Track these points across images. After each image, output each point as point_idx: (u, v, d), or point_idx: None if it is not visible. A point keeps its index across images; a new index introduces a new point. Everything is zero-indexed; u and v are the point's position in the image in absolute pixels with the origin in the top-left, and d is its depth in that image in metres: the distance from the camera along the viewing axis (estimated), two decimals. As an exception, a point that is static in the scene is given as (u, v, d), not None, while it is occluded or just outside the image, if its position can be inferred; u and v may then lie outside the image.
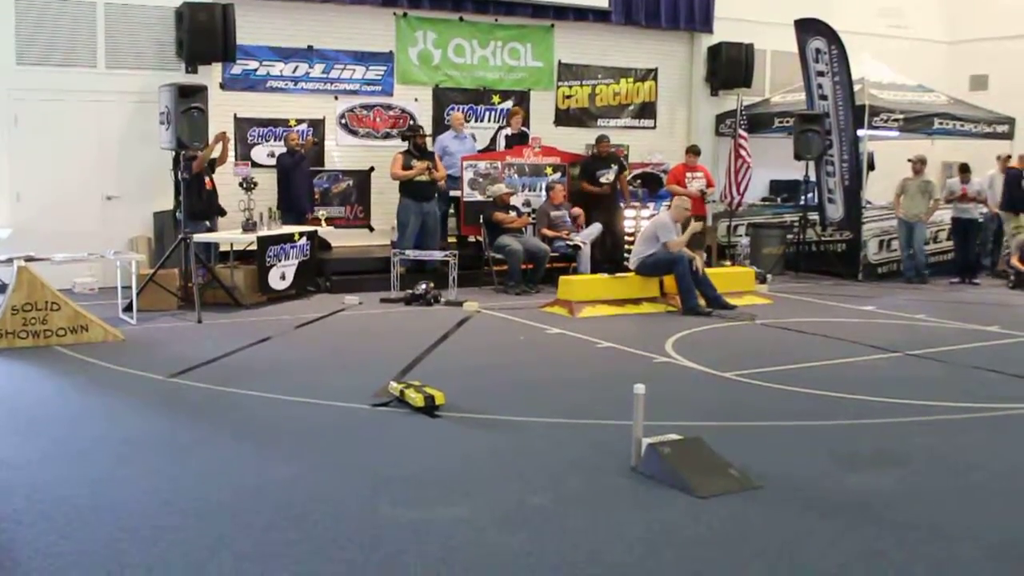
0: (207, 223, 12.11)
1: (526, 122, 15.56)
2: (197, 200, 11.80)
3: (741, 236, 16.26)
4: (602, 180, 14.26)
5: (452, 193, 14.18)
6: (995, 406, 7.26)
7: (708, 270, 12.13)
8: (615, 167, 14.44)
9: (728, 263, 15.40)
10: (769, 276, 14.45)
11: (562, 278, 12.13)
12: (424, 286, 12.01)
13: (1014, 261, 14.68)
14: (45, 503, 4.97)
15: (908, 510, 5.11)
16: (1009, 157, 16.09)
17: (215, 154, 12.32)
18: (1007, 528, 4.87)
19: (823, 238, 15.87)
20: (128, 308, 10.50)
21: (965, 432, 6.68)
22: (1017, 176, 15.68)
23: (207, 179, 12.12)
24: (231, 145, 12.95)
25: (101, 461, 5.75)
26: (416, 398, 6.79)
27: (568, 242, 13.47)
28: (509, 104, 15.68)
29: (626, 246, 14.06)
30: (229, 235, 12.05)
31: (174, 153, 11.35)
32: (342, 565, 4.28)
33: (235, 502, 5.06)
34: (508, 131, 14.99)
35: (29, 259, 9.55)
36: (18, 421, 6.66)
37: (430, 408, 6.73)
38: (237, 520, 4.79)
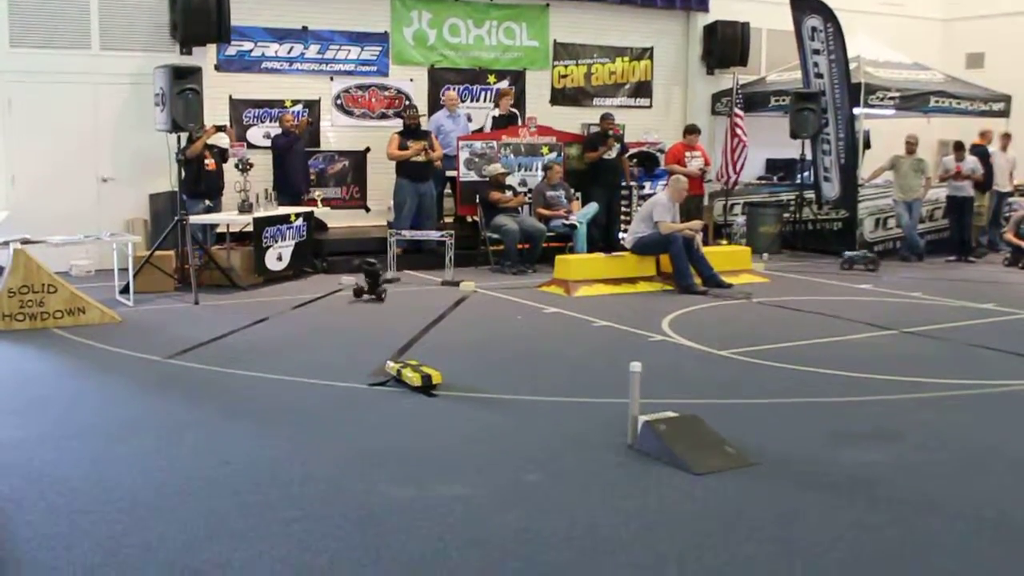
0: (207, 202, 12.13)
1: (521, 102, 15.56)
2: (195, 181, 11.87)
3: (737, 215, 16.25)
4: (605, 157, 14.27)
5: (448, 173, 14.17)
6: (991, 383, 7.29)
7: (704, 249, 12.14)
8: (618, 146, 14.45)
9: (724, 242, 15.41)
10: (765, 255, 14.46)
11: (558, 257, 12.13)
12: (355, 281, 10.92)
13: (1009, 236, 14.69)
14: (43, 483, 4.99)
15: (903, 486, 5.14)
16: (1007, 135, 16.09)
17: (224, 144, 12.38)
18: (1001, 503, 4.89)
19: (819, 216, 15.87)
20: (125, 290, 10.50)
21: (961, 409, 6.71)
22: (984, 154, 15.65)
23: (210, 161, 12.15)
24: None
25: (98, 441, 5.77)
26: (413, 377, 6.80)
27: (564, 221, 13.46)
28: (506, 84, 15.65)
29: (622, 225, 14.11)
30: (225, 216, 12.05)
31: (186, 134, 11.36)
32: (339, 543, 4.30)
33: (232, 481, 5.08)
34: (496, 112, 14.95)
35: (25, 242, 9.54)
36: (16, 402, 6.67)
37: (427, 387, 6.75)
38: (234, 499, 4.82)
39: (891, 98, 15.33)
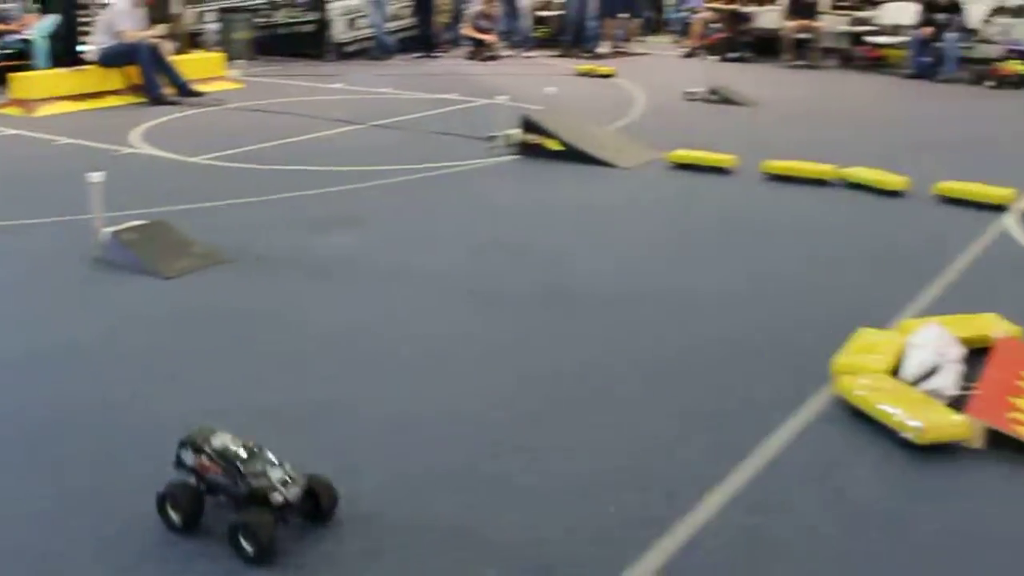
0: None
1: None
2: None
3: (210, 22, 15.80)
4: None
5: None
6: (452, 164, 7.90)
7: (176, 57, 11.76)
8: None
9: (198, 51, 14.96)
10: (240, 61, 14.27)
11: (14, 76, 11.18)
12: None
13: (467, 31, 15.58)
14: None
15: (369, 264, 5.53)
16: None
17: None
18: (461, 270, 5.43)
19: (293, 19, 15.85)
20: None
21: (421, 188, 7.25)
22: None
23: None
24: None
25: None
26: None
27: (19, 36, 12.32)
28: None
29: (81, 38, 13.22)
30: None
31: None
32: None
33: None
34: None
35: None
36: None
37: None
38: None
39: None
